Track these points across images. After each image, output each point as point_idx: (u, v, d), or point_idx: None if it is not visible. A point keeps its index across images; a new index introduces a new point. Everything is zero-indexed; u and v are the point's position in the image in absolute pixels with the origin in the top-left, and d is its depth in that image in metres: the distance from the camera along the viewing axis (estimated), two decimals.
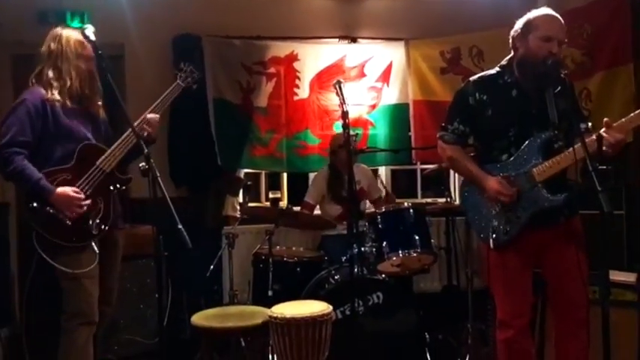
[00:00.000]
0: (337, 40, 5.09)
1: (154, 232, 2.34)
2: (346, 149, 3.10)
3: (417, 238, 3.65)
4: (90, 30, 2.79)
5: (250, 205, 4.92)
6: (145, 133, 2.94)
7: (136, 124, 2.86)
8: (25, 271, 3.26)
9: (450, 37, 5.01)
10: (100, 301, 2.88)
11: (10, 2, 4.42)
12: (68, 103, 2.83)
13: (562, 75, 2.50)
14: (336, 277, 3.54)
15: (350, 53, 5.01)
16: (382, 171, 5.35)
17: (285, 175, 5.36)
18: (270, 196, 4.99)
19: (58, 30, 2.92)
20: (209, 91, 4.67)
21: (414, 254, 3.65)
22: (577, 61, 4.42)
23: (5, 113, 2.80)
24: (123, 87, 4.60)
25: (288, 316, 2.87)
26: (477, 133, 2.75)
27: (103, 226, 2.87)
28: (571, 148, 2.37)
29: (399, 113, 5.05)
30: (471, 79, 2.75)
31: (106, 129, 3.06)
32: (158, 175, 2.35)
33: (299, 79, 4.94)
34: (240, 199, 4.96)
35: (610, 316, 2.08)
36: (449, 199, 4.27)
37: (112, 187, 2.92)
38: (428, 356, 3.45)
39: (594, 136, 2.34)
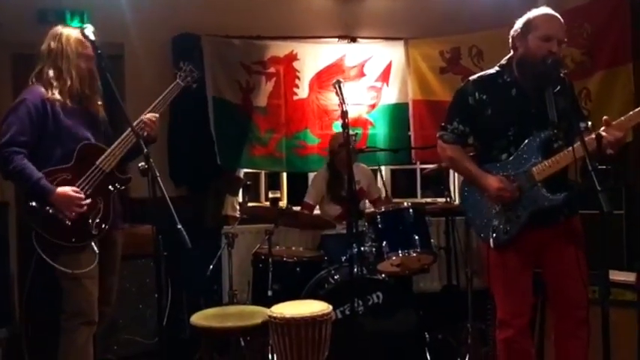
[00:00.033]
0: (337, 39, 5.09)
1: (153, 232, 2.34)
2: (346, 149, 3.10)
3: (416, 237, 3.64)
4: (89, 29, 2.79)
5: (250, 204, 4.93)
6: (145, 133, 2.94)
7: (135, 123, 2.86)
8: (25, 271, 3.26)
9: (449, 36, 5.01)
10: (100, 301, 2.88)
11: (9, 2, 4.42)
12: (68, 102, 2.83)
13: (562, 74, 2.50)
14: (335, 277, 3.54)
15: (349, 53, 5.01)
16: (382, 171, 5.34)
17: (284, 174, 5.36)
18: (270, 195, 5.00)
19: (59, 29, 2.92)
20: (208, 91, 4.66)
21: (414, 254, 3.64)
22: (577, 61, 4.42)
23: (5, 112, 2.80)
24: (122, 86, 4.60)
25: (287, 315, 2.87)
26: (476, 133, 2.75)
27: (102, 226, 2.87)
28: (571, 147, 2.37)
29: (398, 113, 5.05)
30: (471, 78, 2.75)
31: (105, 128, 3.06)
32: (157, 174, 2.35)
33: (298, 78, 4.94)
34: (240, 198, 4.95)
35: (610, 316, 2.08)
36: (448, 199, 4.27)
37: (111, 187, 2.92)
38: (428, 356, 3.45)
39: (594, 135, 2.34)
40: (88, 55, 2.87)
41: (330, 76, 4.81)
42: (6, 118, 2.76)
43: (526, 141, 2.57)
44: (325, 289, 3.45)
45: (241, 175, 5.00)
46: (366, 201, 4.58)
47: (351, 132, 3.23)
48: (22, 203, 2.74)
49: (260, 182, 5.38)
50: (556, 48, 2.49)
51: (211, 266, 3.92)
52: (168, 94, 3.14)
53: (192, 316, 3.13)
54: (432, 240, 3.75)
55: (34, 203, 2.70)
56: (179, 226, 2.27)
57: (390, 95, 5.07)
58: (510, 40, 2.66)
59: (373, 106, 5.06)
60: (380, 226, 3.72)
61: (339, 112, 3.25)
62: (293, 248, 4.29)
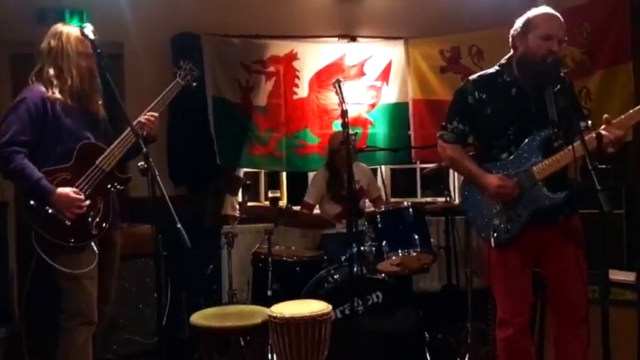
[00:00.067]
0: (336, 39, 5.08)
1: (152, 232, 2.34)
2: (346, 148, 3.09)
3: (416, 237, 3.64)
4: (89, 29, 2.78)
5: (249, 204, 4.92)
6: (145, 132, 2.94)
7: (134, 123, 2.85)
8: (24, 271, 3.26)
9: (449, 36, 5.00)
10: (99, 301, 2.88)
11: (9, 1, 4.41)
12: (69, 101, 2.82)
13: (562, 73, 2.50)
14: (335, 277, 3.54)
15: (349, 52, 5.01)
16: (382, 172, 5.34)
17: (284, 174, 5.36)
18: (270, 195, 5.00)
19: (58, 27, 2.91)
20: (208, 90, 4.66)
21: (414, 253, 3.64)
22: (577, 60, 4.42)
23: (5, 111, 2.79)
24: (122, 86, 4.59)
25: (287, 315, 2.87)
26: (476, 132, 2.75)
27: (102, 226, 2.86)
28: (571, 146, 2.37)
29: (398, 112, 5.05)
30: (470, 78, 2.75)
31: (105, 127, 3.05)
32: (157, 174, 2.35)
33: (298, 78, 4.94)
34: (240, 198, 4.95)
35: (609, 316, 2.08)
36: (448, 199, 4.26)
37: (111, 187, 2.91)
38: (427, 355, 3.45)
39: (594, 134, 2.34)
40: (88, 54, 2.85)
41: (330, 76, 4.80)
42: (6, 117, 2.75)
43: (526, 140, 2.57)
44: (325, 289, 3.44)
45: (241, 174, 5.00)
46: (366, 200, 4.58)
47: (350, 131, 3.23)
48: (22, 203, 2.74)
49: (260, 182, 5.38)
50: (556, 47, 2.49)
51: (211, 266, 3.93)
52: (168, 93, 3.13)
53: (191, 315, 3.13)
54: (431, 239, 3.75)
55: (33, 203, 2.69)
56: (178, 226, 2.27)
57: (390, 94, 5.06)
58: (510, 40, 2.65)
59: (373, 106, 5.06)
60: (380, 225, 3.72)
61: (338, 112, 3.25)
62: (293, 248, 4.28)
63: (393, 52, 5.03)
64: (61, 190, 2.71)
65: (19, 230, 4.60)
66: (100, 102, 2.99)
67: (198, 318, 3.09)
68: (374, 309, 3.42)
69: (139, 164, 2.36)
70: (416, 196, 5.46)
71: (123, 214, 3.15)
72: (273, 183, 5.42)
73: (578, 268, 2.52)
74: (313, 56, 4.96)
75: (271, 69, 4.88)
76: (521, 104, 2.61)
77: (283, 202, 5.26)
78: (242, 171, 5.01)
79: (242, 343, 3.52)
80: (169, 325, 2.86)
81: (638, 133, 3.81)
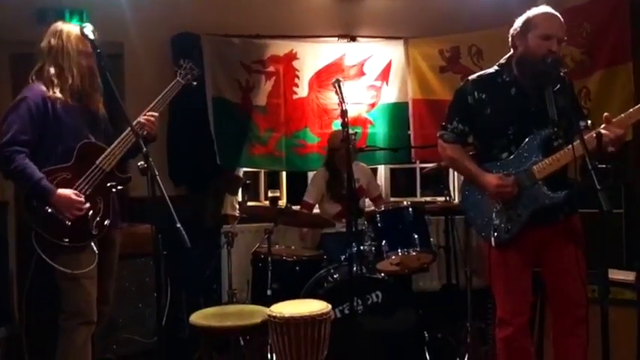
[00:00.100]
0: (336, 38, 5.08)
1: (152, 231, 2.34)
2: (345, 147, 3.10)
3: (416, 236, 3.65)
4: (89, 29, 2.78)
5: (249, 204, 4.93)
6: (145, 132, 2.94)
7: (134, 123, 2.85)
8: (24, 271, 3.25)
9: (449, 35, 5.01)
10: (98, 300, 2.87)
11: (9, 1, 4.41)
12: (69, 100, 2.81)
13: (561, 73, 2.50)
14: (335, 276, 3.54)
15: (349, 52, 5.01)
16: (382, 171, 5.35)
17: (284, 173, 5.36)
18: (269, 194, 5.00)
19: (59, 25, 2.89)
20: (208, 90, 4.66)
21: (413, 253, 3.65)
22: (576, 60, 4.42)
23: (6, 111, 2.77)
24: (122, 86, 4.60)
25: (287, 315, 2.87)
26: (476, 132, 2.75)
27: (102, 226, 2.86)
28: (571, 145, 2.37)
29: (398, 112, 5.05)
30: (470, 78, 2.75)
31: (106, 126, 3.04)
32: (157, 173, 2.35)
33: (298, 77, 4.94)
34: (240, 197, 4.95)
35: (609, 315, 2.08)
36: (448, 198, 4.27)
37: (111, 187, 2.91)
38: (427, 355, 3.45)
39: (593, 133, 2.34)
40: (88, 53, 2.84)
41: (330, 75, 4.80)
42: (7, 116, 2.74)
43: (526, 139, 2.58)
44: (324, 288, 3.44)
45: (241, 174, 5.00)
46: (366, 199, 4.58)
47: (350, 131, 3.23)
48: (22, 203, 2.73)
49: (259, 181, 5.38)
50: (556, 47, 2.50)
51: (211, 265, 3.92)
52: (169, 92, 3.12)
53: (191, 315, 3.13)
54: (431, 239, 3.75)
55: (34, 203, 2.69)
56: (178, 226, 2.27)
57: (390, 94, 5.07)
58: (510, 39, 2.66)
59: (373, 105, 5.06)
60: (379, 225, 3.72)
61: (338, 111, 3.26)
62: (292, 247, 4.28)
63: (392, 52, 5.03)
64: (61, 191, 2.70)
65: (19, 230, 4.60)
66: (100, 101, 2.98)
67: (198, 318, 3.09)
68: (373, 308, 3.42)
69: (139, 164, 2.36)
70: (415, 196, 5.47)
71: (123, 214, 3.15)
72: (273, 183, 5.42)
73: (577, 267, 2.52)
74: (313, 56, 4.96)
75: (271, 69, 4.88)
76: (521, 104, 2.61)
77: (283, 202, 5.26)
78: (242, 171, 5.01)
79: (242, 342, 3.52)
80: (169, 324, 2.87)
81: (637, 133, 3.81)
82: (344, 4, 5.10)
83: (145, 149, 2.42)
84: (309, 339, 2.85)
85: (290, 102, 4.93)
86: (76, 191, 2.75)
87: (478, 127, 2.72)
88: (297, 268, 3.77)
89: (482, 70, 2.82)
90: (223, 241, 3.97)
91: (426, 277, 4.94)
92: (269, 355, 3.26)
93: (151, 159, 2.37)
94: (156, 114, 3.02)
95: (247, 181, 4.86)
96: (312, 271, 3.66)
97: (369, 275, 3.54)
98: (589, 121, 2.65)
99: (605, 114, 2.40)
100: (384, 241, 3.64)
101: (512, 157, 2.61)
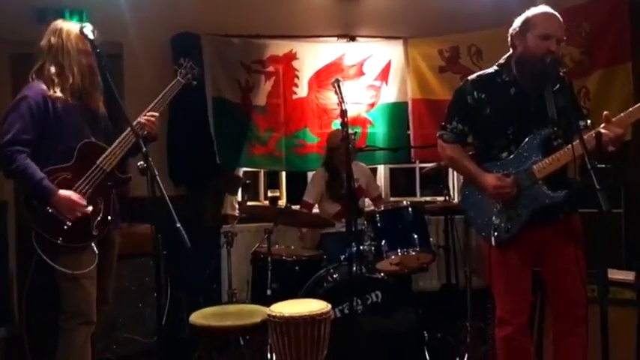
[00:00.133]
0: (336, 38, 5.09)
1: (152, 231, 2.34)
2: (345, 147, 3.10)
3: (415, 236, 3.65)
4: (88, 28, 2.78)
5: (249, 203, 4.93)
6: (145, 132, 2.93)
7: (134, 123, 2.85)
8: (24, 271, 3.25)
9: (448, 35, 5.01)
10: (97, 300, 2.86)
11: (9, 1, 4.42)
12: (69, 99, 2.80)
13: (561, 73, 2.50)
14: (334, 276, 3.54)
15: (349, 52, 5.01)
16: (381, 171, 5.35)
17: (283, 173, 5.36)
18: (269, 194, 4.99)
19: (58, 23, 2.88)
20: (208, 90, 4.66)
21: (413, 253, 3.65)
22: (575, 60, 4.42)
23: (6, 110, 2.76)
24: (121, 86, 4.60)
25: (286, 314, 2.87)
26: (475, 132, 2.76)
27: (103, 227, 2.85)
28: (571, 145, 2.37)
29: (397, 112, 5.05)
30: (469, 77, 2.75)
31: (106, 124, 3.03)
32: (157, 173, 2.35)
33: (298, 77, 4.94)
34: (239, 197, 4.95)
35: (608, 315, 2.09)
36: (448, 198, 4.27)
37: (112, 187, 2.90)
38: (427, 355, 3.46)
39: (593, 133, 2.34)
40: (88, 51, 2.83)
41: (330, 75, 4.80)
42: (7, 115, 2.72)
43: (526, 139, 2.58)
44: (324, 288, 3.45)
45: (240, 174, 5.00)
46: (366, 199, 4.59)
47: (350, 130, 3.23)
48: (23, 202, 2.72)
49: (259, 181, 5.38)
50: (555, 47, 2.50)
51: (210, 265, 3.92)
52: (169, 91, 3.12)
53: (191, 315, 3.13)
54: (431, 239, 3.75)
55: (34, 203, 2.68)
56: (178, 225, 2.27)
57: (390, 94, 5.07)
58: (509, 39, 2.66)
59: (372, 105, 5.06)
60: (379, 224, 3.73)
61: (338, 111, 3.25)
62: (292, 247, 4.28)
63: (392, 52, 5.04)
64: (62, 192, 2.69)
65: (19, 230, 4.60)
66: (100, 99, 2.97)
67: (198, 317, 3.09)
68: (373, 308, 3.42)
69: (139, 164, 2.36)
70: (415, 196, 5.47)
71: (122, 214, 3.15)
72: (273, 182, 5.42)
73: (577, 267, 2.52)
74: (312, 56, 4.96)
75: (271, 69, 4.88)
76: (521, 104, 2.61)
77: (283, 202, 5.26)
78: (241, 170, 5.02)
79: (241, 342, 3.52)
80: (169, 324, 2.87)
81: (637, 133, 3.81)
82: (343, 4, 5.10)
83: (144, 149, 2.42)
84: (308, 339, 2.85)
85: (290, 102, 4.93)
86: (77, 194, 2.74)
87: (478, 127, 2.73)
88: (297, 267, 3.77)
89: (481, 70, 2.82)
90: (223, 240, 3.97)
91: (425, 277, 4.95)
92: (269, 355, 3.26)
93: (150, 159, 2.37)
94: (156, 114, 3.01)
95: (247, 181, 4.86)
96: (312, 271, 3.66)
97: (369, 275, 3.54)
98: (588, 121, 2.65)
99: (605, 112, 2.40)
100: (383, 241, 3.65)
101: (511, 156, 2.61)
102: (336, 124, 4.74)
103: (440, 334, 3.96)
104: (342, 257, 3.65)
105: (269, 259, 3.58)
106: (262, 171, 5.33)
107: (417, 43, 5.00)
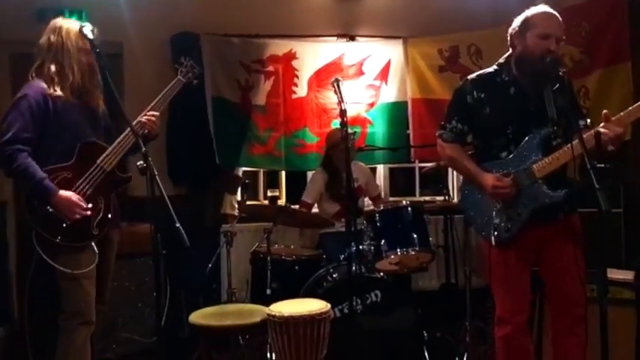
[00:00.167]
0: (335, 38, 5.08)
1: (151, 231, 2.34)
2: (344, 147, 3.10)
3: (415, 236, 3.65)
4: (88, 28, 2.77)
5: (248, 203, 4.93)
6: (146, 130, 2.93)
7: (135, 122, 2.85)
8: (24, 271, 3.25)
9: (448, 35, 5.01)
10: (95, 300, 2.86)
11: (8, 1, 4.41)
12: (70, 98, 2.79)
13: (560, 72, 2.50)
14: (334, 276, 3.54)
15: (348, 51, 5.01)
16: (381, 171, 5.35)
17: (283, 173, 5.36)
18: (269, 194, 5.00)
19: (58, 22, 2.87)
20: (207, 90, 4.66)
21: (413, 252, 3.65)
22: (575, 59, 4.43)
23: (6, 108, 2.75)
24: (121, 85, 4.59)
25: (286, 314, 2.87)
26: (475, 132, 2.76)
27: (103, 226, 2.84)
28: (570, 144, 2.37)
29: (397, 111, 5.05)
30: (469, 77, 2.75)
31: (106, 123, 3.01)
32: (156, 173, 2.35)
33: (297, 77, 4.94)
34: (239, 197, 4.95)
35: (608, 314, 2.09)
36: (447, 198, 4.27)
37: (112, 186, 2.90)
38: (426, 354, 3.46)
39: (593, 132, 2.34)
40: (87, 50, 2.82)
41: (329, 75, 4.80)
42: (7, 114, 2.71)
43: (526, 138, 2.58)
44: (324, 288, 3.45)
45: (240, 173, 5.00)
46: (365, 199, 4.58)
47: (349, 130, 3.23)
48: (23, 202, 2.71)
49: (259, 181, 5.38)
50: (554, 46, 2.50)
51: (210, 265, 3.92)
52: (170, 90, 3.11)
53: (190, 314, 3.13)
54: (430, 238, 3.76)
55: (35, 202, 2.67)
56: (177, 225, 2.27)
57: (389, 94, 5.07)
58: (509, 39, 2.66)
59: (372, 105, 5.06)
60: (378, 224, 3.73)
61: (337, 111, 3.25)
62: (292, 247, 4.28)
63: (391, 52, 5.03)
64: (63, 193, 2.68)
65: (18, 230, 4.60)
66: (100, 98, 2.96)
67: (198, 317, 3.09)
68: (373, 308, 3.42)
69: (138, 163, 2.36)
70: (415, 195, 5.47)
71: (122, 213, 3.14)
72: (272, 182, 5.42)
73: (576, 266, 2.52)
74: (312, 55, 4.96)
75: (270, 68, 4.88)
76: (520, 103, 2.61)
77: (282, 201, 5.26)
78: (241, 170, 5.01)
79: (241, 342, 3.52)
80: (168, 324, 2.88)
81: (636, 132, 3.81)
82: (343, 3, 5.10)
83: (144, 149, 2.42)
84: (308, 338, 2.85)
85: (289, 101, 4.93)
86: (77, 195, 2.73)
87: (477, 127, 2.73)
88: (297, 267, 3.77)
89: (481, 69, 2.82)
90: (222, 240, 3.97)
91: (425, 277, 4.94)
92: (268, 355, 3.26)
93: (150, 158, 2.37)
94: (157, 113, 3.00)
95: (246, 181, 4.86)
96: (312, 271, 3.66)
97: (368, 275, 3.54)
98: (588, 120, 2.65)
99: (604, 111, 2.40)
100: (383, 241, 3.65)
101: (511, 156, 2.61)
102: (336, 124, 4.74)
103: (439, 334, 3.97)
104: (342, 257, 3.65)
105: (268, 258, 3.58)
106: (262, 171, 5.33)
107: (417, 43, 5.00)
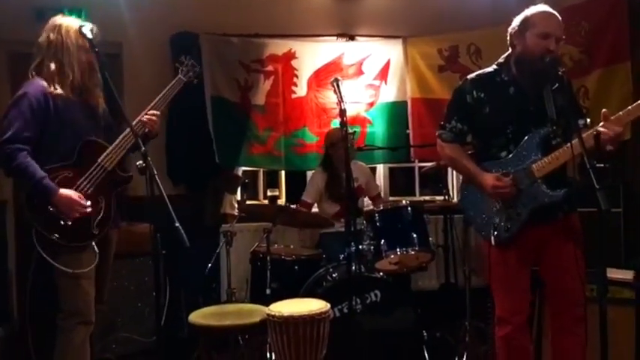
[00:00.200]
0: (335, 37, 5.08)
1: (151, 231, 2.34)
2: (344, 146, 3.09)
3: (414, 236, 3.65)
4: (87, 27, 2.77)
5: (248, 203, 4.93)
6: (146, 129, 2.92)
7: (134, 122, 2.84)
8: (24, 271, 3.25)
9: (448, 34, 5.00)
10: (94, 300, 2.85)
11: (7, 0, 4.41)
12: (70, 96, 2.78)
13: (560, 72, 2.50)
14: (334, 275, 3.54)
15: (348, 51, 5.01)
16: (380, 171, 5.35)
17: (283, 173, 5.36)
18: (268, 194, 5.01)
19: (57, 19, 2.86)
20: (207, 89, 4.65)
21: (412, 252, 3.65)
22: (575, 59, 4.43)
23: (6, 107, 2.73)
24: (121, 85, 4.59)
25: (286, 314, 2.87)
26: (475, 131, 2.76)
27: (104, 226, 2.83)
28: (569, 144, 2.37)
29: (397, 111, 5.05)
30: (469, 77, 2.75)
31: (106, 121, 3.00)
32: (155, 173, 2.35)
33: (297, 77, 4.94)
34: (238, 197, 4.95)
35: (607, 314, 2.09)
36: (447, 197, 4.27)
37: (113, 185, 2.89)
38: (426, 354, 3.46)
39: (592, 131, 2.34)
40: (87, 47, 2.81)
41: (329, 75, 4.79)
42: (7, 113, 2.69)
43: (525, 138, 2.58)
44: (323, 288, 3.45)
45: (240, 173, 5.00)
46: (365, 198, 4.58)
47: (349, 130, 3.23)
48: (24, 201, 2.69)
49: (258, 180, 5.38)
50: (554, 46, 2.50)
51: (210, 264, 3.92)
52: (170, 89, 3.09)
53: (190, 314, 3.13)
54: (430, 238, 3.75)
55: (35, 201, 2.66)
56: (177, 225, 2.27)
57: (389, 93, 5.06)
58: (508, 38, 2.66)
59: (371, 105, 5.06)
60: (378, 224, 3.72)
61: (337, 111, 3.25)
62: (291, 246, 4.28)
63: (391, 51, 5.03)
64: (63, 191, 2.67)
65: (18, 229, 4.59)
66: (100, 96, 2.94)
67: (197, 317, 3.09)
68: (372, 307, 3.42)
69: (138, 163, 2.35)
70: (414, 195, 5.47)
71: (121, 213, 3.14)
72: (272, 182, 5.42)
73: (576, 266, 2.52)
74: (312, 55, 4.96)
75: (270, 68, 4.88)
76: (520, 103, 2.61)
77: (282, 201, 5.26)
78: (241, 170, 5.01)
79: (241, 341, 3.52)
80: (168, 324, 2.86)
81: (636, 132, 3.82)
82: (342, 3, 5.10)
83: (143, 148, 2.41)
84: (307, 338, 2.85)
85: (289, 101, 4.93)
86: (78, 193, 2.72)
87: (477, 127, 2.73)
88: (296, 267, 3.77)
89: (480, 69, 2.82)
90: (222, 240, 3.97)
91: (424, 276, 4.94)
92: (268, 354, 3.26)
93: (149, 158, 2.37)
94: (158, 112, 2.99)
95: (246, 180, 4.86)
96: (311, 271, 3.66)
97: (368, 274, 3.54)
98: (588, 120, 2.65)
99: (603, 110, 2.40)
100: (382, 241, 3.64)
101: (511, 155, 2.61)
102: (335, 124, 4.74)
103: (439, 334, 3.97)
104: (342, 256, 3.64)
105: (268, 258, 3.58)
106: (261, 170, 5.33)
107: (416, 43, 5.00)
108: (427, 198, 5.33)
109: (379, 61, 5.04)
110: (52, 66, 2.77)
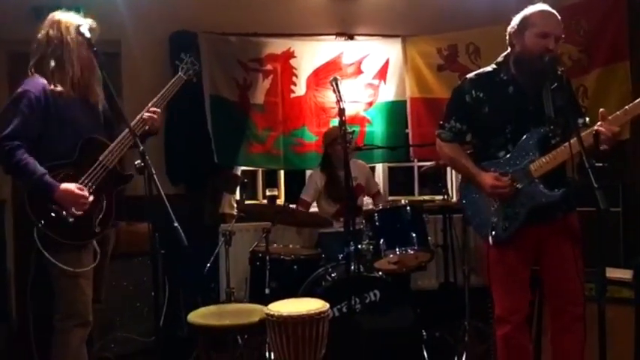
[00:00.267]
0: (334, 37, 5.08)
1: (150, 230, 2.33)
2: (342, 146, 3.09)
3: (414, 235, 3.65)
4: (85, 26, 2.76)
5: (247, 202, 4.92)
6: (147, 127, 2.91)
7: (134, 122, 2.84)
8: (23, 270, 3.24)
9: (447, 34, 5.00)
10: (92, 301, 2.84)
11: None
12: (71, 93, 2.76)
13: (559, 71, 2.49)
14: (332, 275, 3.54)
15: (347, 50, 5.00)
16: (380, 170, 5.35)
17: (282, 172, 5.35)
18: (267, 193, 4.99)
19: (56, 16, 2.84)
20: (205, 88, 4.64)
21: (411, 252, 3.65)
22: (574, 58, 4.43)
23: (5, 104, 2.72)
24: (119, 84, 4.59)
25: (285, 314, 2.87)
26: (474, 131, 2.76)
27: (105, 224, 2.81)
28: (568, 143, 2.37)
29: (396, 110, 5.04)
30: (468, 76, 2.75)
31: (106, 118, 2.97)
32: (154, 172, 2.34)
33: (296, 76, 4.93)
34: (237, 196, 4.95)
35: (606, 314, 2.08)
36: (446, 197, 4.26)
37: (114, 184, 2.87)
38: (425, 354, 3.45)
39: (591, 130, 2.34)
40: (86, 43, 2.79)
41: (328, 74, 4.78)
42: (6, 110, 2.67)
43: (524, 137, 2.58)
44: (322, 287, 3.44)
45: (238, 172, 4.99)
46: (365, 197, 4.58)
47: (348, 129, 3.22)
48: (25, 199, 2.65)
49: (257, 180, 5.38)
50: (553, 45, 2.50)
51: (208, 264, 3.92)
52: (171, 87, 3.08)
53: (189, 314, 3.13)
54: (429, 237, 3.75)
55: (36, 199, 2.63)
56: (176, 224, 2.26)
57: (388, 93, 5.06)
58: (507, 37, 2.66)
59: (370, 104, 5.05)
60: (377, 223, 3.72)
61: (336, 110, 3.25)
62: (290, 246, 4.27)
63: (390, 51, 5.03)
64: (64, 185, 2.64)
65: (16, 228, 4.59)
66: (100, 92, 2.91)
67: (196, 316, 3.09)
68: (371, 307, 3.42)
69: (136, 162, 2.35)
70: (413, 194, 5.47)
71: (120, 213, 3.13)
72: (271, 181, 5.41)
73: (575, 265, 2.53)
74: (311, 54, 4.95)
75: (268, 67, 4.87)
76: (519, 102, 2.61)
77: (281, 201, 5.26)
78: (240, 169, 5.00)
79: (240, 341, 3.52)
80: (167, 323, 2.86)
81: (635, 131, 3.81)
82: (341, 2, 5.09)
83: (141, 147, 2.41)
84: (307, 338, 2.85)
85: (288, 100, 4.92)
86: (79, 185, 2.68)
87: (476, 126, 2.73)
88: (295, 266, 3.76)
89: (479, 68, 2.82)
90: (221, 239, 3.96)
91: (423, 276, 4.93)
92: (267, 354, 3.26)
93: (148, 157, 2.36)
94: (158, 110, 2.97)
95: (245, 180, 4.85)
96: (310, 270, 3.66)
97: (367, 274, 3.54)
98: (587, 119, 2.65)
99: (601, 110, 2.40)
100: (381, 240, 3.64)
101: (509, 155, 2.61)
102: (334, 123, 4.74)
103: (438, 333, 3.97)
104: (341, 256, 3.64)
105: (267, 258, 3.58)
106: (260, 170, 5.32)
107: (416, 42, 4.99)
108: (426, 197, 5.33)
109: (378, 60, 5.03)
110: (52, 63, 2.75)
